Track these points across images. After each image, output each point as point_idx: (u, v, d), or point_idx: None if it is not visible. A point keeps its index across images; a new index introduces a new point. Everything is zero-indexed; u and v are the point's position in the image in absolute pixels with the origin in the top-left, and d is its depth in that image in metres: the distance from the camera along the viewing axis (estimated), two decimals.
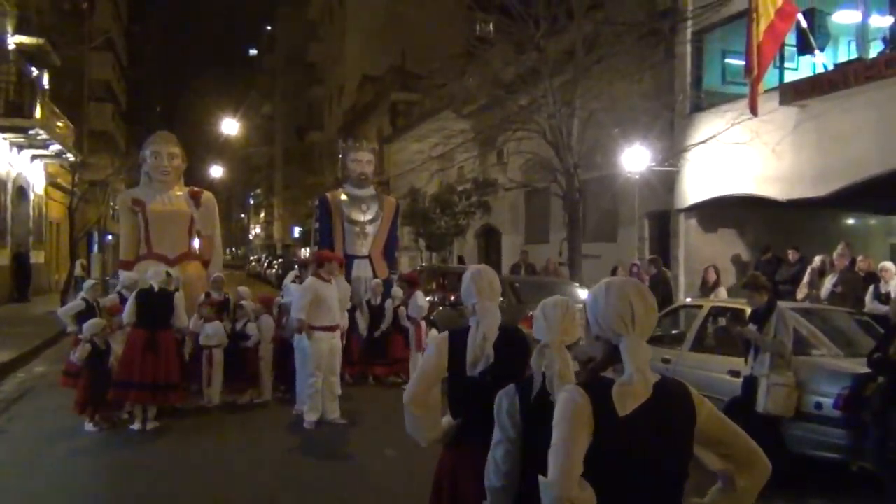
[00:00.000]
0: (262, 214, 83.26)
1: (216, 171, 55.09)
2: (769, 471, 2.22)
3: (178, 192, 11.08)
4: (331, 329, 8.30)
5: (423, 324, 10.93)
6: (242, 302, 9.81)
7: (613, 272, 13.72)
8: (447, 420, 3.48)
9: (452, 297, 13.85)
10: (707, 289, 11.46)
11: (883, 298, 9.60)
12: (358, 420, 8.45)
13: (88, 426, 7.78)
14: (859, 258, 11.53)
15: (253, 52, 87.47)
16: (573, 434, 2.02)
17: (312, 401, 8.17)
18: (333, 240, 11.62)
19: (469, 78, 21.97)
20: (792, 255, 12.62)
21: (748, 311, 6.70)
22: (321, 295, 8.14)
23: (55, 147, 23.83)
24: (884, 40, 10.69)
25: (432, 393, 3.48)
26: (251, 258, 66.39)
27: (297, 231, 58.00)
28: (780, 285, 12.25)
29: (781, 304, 6.69)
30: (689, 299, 10.29)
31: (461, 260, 23.45)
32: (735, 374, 6.59)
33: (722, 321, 7.60)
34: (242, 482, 6.26)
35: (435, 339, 3.51)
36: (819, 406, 5.93)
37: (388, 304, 11.13)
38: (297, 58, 58.45)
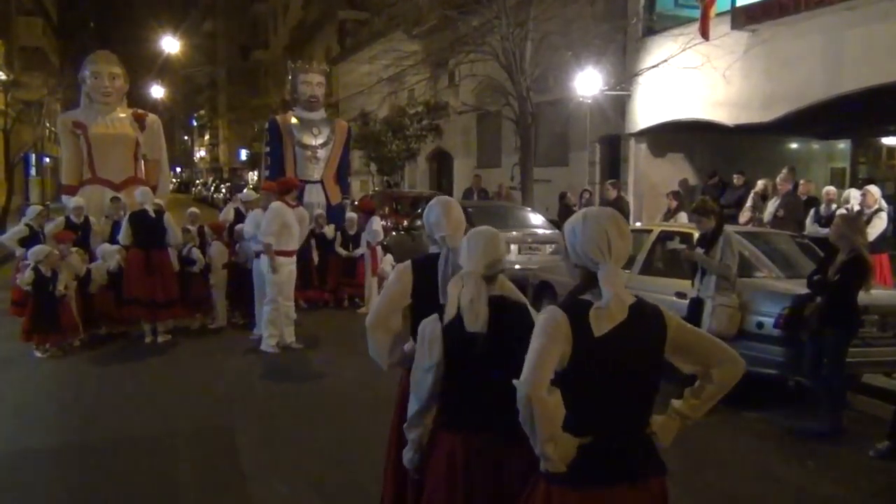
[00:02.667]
0: (207, 136, 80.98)
1: (157, 92, 53.07)
2: (741, 364, 2.37)
3: (122, 115, 10.72)
4: (291, 254, 8.29)
5: (378, 249, 10.98)
6: (187, 226, 9.65)
7: (562, 197, 13.91)
8: (410, 345, 3.56)
9: (405, 222, 13.91)
10: (668, 214, 11.71)
11: (823, 221, 9.97)
12: (313, 344, 8.52)
13: (36, 353, 7.76)
14: (801, 182, 11.88)
15: None
16: (546, 345, 2.19)
17: (273, 326, 8.22)
18: (284, 164, 11.43)
19: None
20: (737, 180, 12.92)
21: (695, 234, 6.89)
22: (286, 220, 8.13)
23: None
24: None
25: (394, 318, 3.55)
26: (197, 182, 64.90)
27: (243, 154, 56.70)
28: (726, 209, 12.52)
29: (728, 227, 6.88)
30: (638, 224, 10.47)
31: None
32: (682, 295, 6.80)
33: (669, 245, 7.80)
34: (200, 404, 6.32)
35: (398, 269, 3.54)
36: (760, 325, 6.19)
37: (330, 228, 11.08)
38: None
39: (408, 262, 3.56)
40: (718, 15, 11.74)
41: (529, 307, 3.00)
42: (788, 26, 11.26)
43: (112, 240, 9.05)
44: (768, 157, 14.76)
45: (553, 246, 10.55)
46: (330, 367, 7.60)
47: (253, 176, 56.12)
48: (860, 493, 4.76)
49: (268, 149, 11.73)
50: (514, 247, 10.49)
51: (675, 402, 2.43)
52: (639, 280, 7.46)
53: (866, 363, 6.32)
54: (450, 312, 2.81)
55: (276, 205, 8.33)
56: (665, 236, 7.85)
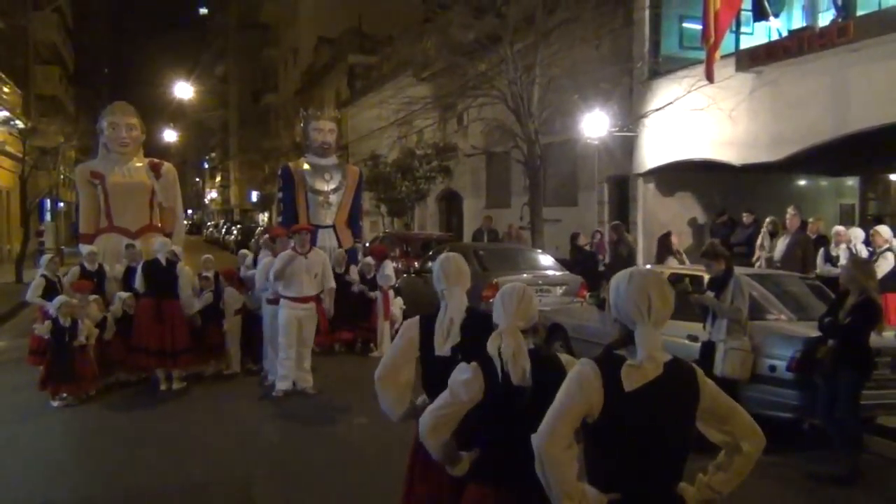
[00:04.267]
0: (218, 178, 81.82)
1: (169, 136, 53.86)
2: (764, 441, 2.44)
3: (138, 164, 10.91)
4: (303, 301, 8.38)
5: (390, 293, 11.07)
6: (204, 273, 9.79)
7: (574, 238, 14.00)
8: (422, 398, 3.64)
9: (416, 265, 14.01)
10: (662, 257, 11.81)
11: (834, 261, 10.01)
12: (326, 389, 8.55)
13: (52, 402, 7.82)
14: (810, 220, 11.94)
15: (203, 10, 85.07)
16: (570, 401, 2.29)
17: (284, 370, 8.31)
18: (297, 210, 11.59)
19: (427, 42, 21.85)
20: (746, 218, 12.99)
21: (705, 276, 6.94)
22: (295, 266, 8.25)
23: (3, 114, 23.09)
24: (835, 7, 10.92)
25: (403, 372, 3.64)
26: (208, 223, 65.41)
27: (254, 196, 57.24)
28: (736, 247, 12.63)
29: (738, 270, 6.93)
30: (648, 266, 10.52)
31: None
32: (693, 338, 6.83)
33: (680, 287, 7.83)
34: (216, 453, 6.34)
35: (406, 324, 3.66)
36: (773, 368, 6.21)
37: (353, 268, 11.23)
38: (250, 18, 57.09)
39: (416, 318, 3.68)
40: (723, 57, 11.92)
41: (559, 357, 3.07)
42: (793, 68, 11.42)
43: (125, 286, 9.19)
44: (777, 194, 14.82)
45: (563, 287, 10.60)
46: (343, 414, 7.63)
47: (264, 217, 56.68)
48: None
49: (280, 195, 11.91)
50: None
51: (704, 477, 2.46)
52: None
53: (880, 405, 6.32)
54: (497, 366, 2.85)
55: (286, 252, 8.47)
56: (675, 279, 7.89)
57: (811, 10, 10.05)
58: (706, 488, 2.43)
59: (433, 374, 3.56)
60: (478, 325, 3.58)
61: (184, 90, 35.16)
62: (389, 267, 11.32)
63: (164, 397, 8.36)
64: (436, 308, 3.69)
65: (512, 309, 2.95)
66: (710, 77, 11.22)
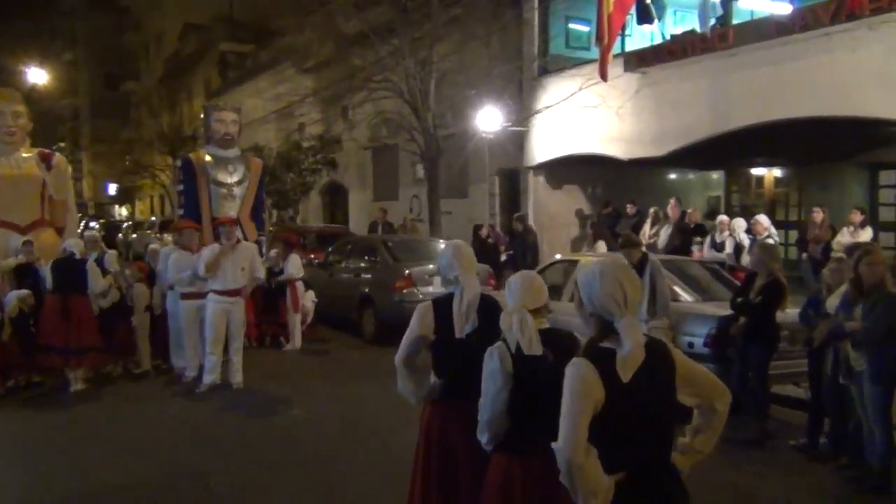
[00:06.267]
0: (69, 171, 76.38)
1: None
2: (731, 396, 2.64)
3: (26, 154, 10.26)
4: (230, 293, 8.26)
5: (299, 285, 11.01)
6: (108, 268, 9.38)
7: (476, 230, 14.44)
8: (435, 380, 3.82)
9: (315, 258, 13.96)
10: (586, 242, 12.47)
11: (718, 247, 10.96)
12: (250, 385, 8.43)
13: None
14: (689, 211, 12.96)
15: None
16: (580, 406, 2.35)
17: (210, 364, 8.20)
18: (199, 203, 11.26)
19: (308, 33, 21.59)
20: (630, 209, 13.91)
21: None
22: (222, 259, 8.17)
23: None
24: (715, 15, 11.89)
25: (420, 355, 3.80)
26: None
27: (112, 188, 54.06)
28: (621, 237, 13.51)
29: (652, 256, 7.52)
30: (558, 256, 11.08)
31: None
32: None
33: None
34: (163, 450, 6.18)
35: (420, 308, 3.79)
36: (691, 345, 6.82)
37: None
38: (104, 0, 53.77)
39: (429, 302, 3.83)
40: (613, 57, 12.66)
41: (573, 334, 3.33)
42: (676, 70, 12.34)
43: (21, 285, 8.66)
44: (653, 186, 15.95)
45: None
46: (278, 407, 7.62)
47: (122, 211, 53.68)
48: (795, 491, 5.37)
49: (181, 187, 11.50)
50: (437, 278, 10.80)
51: (685, 440, 2.64)
52: (569, 307, 7.96)
53: (781, 375, 7.07)
54: (511, 344, 3.09)
55: (211, 246, 8.32)
56: None
57: (704, 16, 10.89)
58: (693, 452, 2.61)
59: (450, 358, 3.74)
60: (491, 310, 3.80)
61: (38, 76, 32.69)
62: (296, 259, 11.26)
63: (78, 399, 8.00)
64: (444, 294, 3.84)
65: (518, 292, 3.21)
66: (604, 76, 11.91)
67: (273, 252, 11.27)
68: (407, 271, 10.73)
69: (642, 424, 2.43)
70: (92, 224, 39.01)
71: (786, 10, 11.32)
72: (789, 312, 6.62)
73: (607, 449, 2.36)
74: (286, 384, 8.55)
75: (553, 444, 2.36)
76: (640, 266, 7.11)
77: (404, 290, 10.61)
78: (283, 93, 22.64)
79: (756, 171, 16.71)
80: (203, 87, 36.73)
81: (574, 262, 8.56)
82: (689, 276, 8.17)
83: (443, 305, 3.73)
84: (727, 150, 13.79)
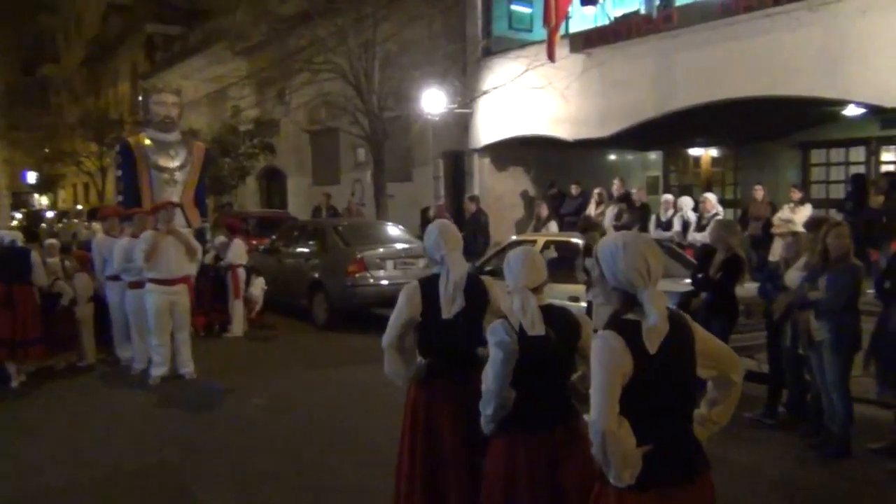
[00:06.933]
0: None
1: None
2: (744, 368, 2.69)
3: None
4: (173, 282, 7.95)
5: (241, 271, 10.74)
6: (46, 259, 8.96)
7: (424, 212, 14.36)
8: (420, 361, 3.75)
9: (258, 243, 13.66)
10: (539, 223, 12.50)
11: (664, 226, 11.18)
12: (202, 374, 8.15)
13: None
14: (634, 190, 13.17)
15: None
16: (611, 378, 2.33)
17: (158, 356, 7.91)
18: (140, 188, 10.85)
19: (242, 14, 21.02)
20: (574, 190, 14.06)
21: (580, 242, 7.58)
22: (162, 246, 7.86)
23: None
24: (659, 2, 12.06)
25: (407, 337, 3.73)
26: None
27: (31, 176, 51.75)
28: (566, 217, 13.65)
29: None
30: (514, 237, 11.11)
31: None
32: (574, 299, 7.41)
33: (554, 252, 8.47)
34: (128, 443, 5.93)
35: (407, 289, 3.72)
36: None
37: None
38: None
39: (415, 283, 3.76)
40: (560, 38, 12.73)
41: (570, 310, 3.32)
42: (621, 50, 12.47)
43: None
44: (593, 167, 16.16)
45: (426, 259, 10.83)
46: (235, 397, 7.41)
47: (42, 200, 51.44)
48: (763, 457, 5.53)
49: (119, 172, 11.07)
50: (389, 262, 10.70)
51: (702, 412, 2.64)
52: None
53: (736, 348, 7.22)
54: (514, 323, 3.06)
55: (147, 233, 8.00)
56: (549, 245, 8.48)
57: None
58: (711, 423, 2.63)
59: (435, 338, 3.69)
60: (476, 288, 3.75)
61: None
62: (240, 245, 10.99)
63: (20, 395, 7.63)
64: (430, 275, 3.79)
65: (519, 270, 3.18)
66: (552, 57, 11.96)
67: (220, 239, 10.95)
68: (359, 255, 10.58)
69: (669, 396, 2.43)
70: (15, 214, 37.39)
71: None
72: (747, 287, 6.80)
73: (635, 421, 2.35)
74: (240, 373, 8.33)
75: (585, 416, 2.36)
76: None
77: (357, 275, 10.46)
78: (217, 76, 22.01)
79: (693, 152, 17.12)
80: (130, 70, 35.42)
81: (533, 241, 8.60)
82: None
83: (430, 286, 3.68)
84: (667, 131, 14.06)
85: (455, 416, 3.62)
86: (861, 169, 13.11)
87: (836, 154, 14.40)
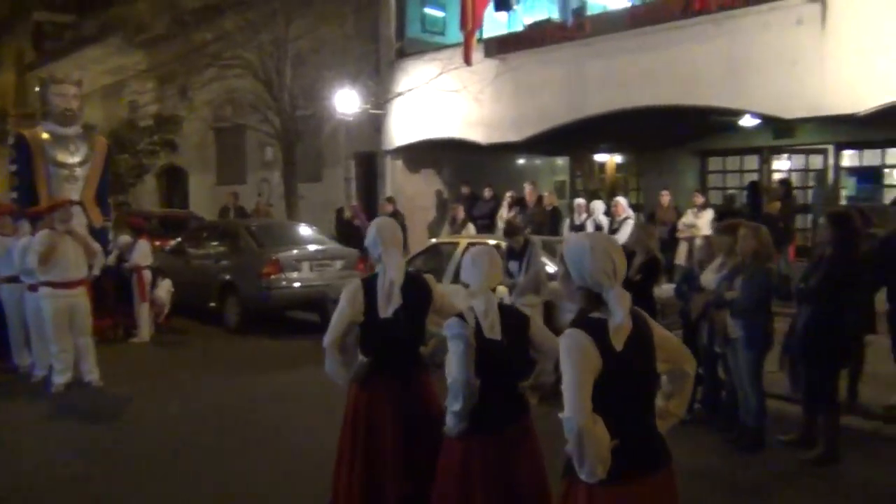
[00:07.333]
0: None
1: None
2: (694, 360, 2.78)
3: None
4: (70, 285, 7.51)
5: (147, 273, 10.30)
6: None
7: (339, 213, 14.18)
8: (362, 360, 3.70)
9: (161, 244, 13.11)
10: (457, 226, 12.53)
11: (577, 229, 11.45)
12: (109, 381, 7.71)
13: None
14: (545, 194, 13.45)
15: None
16: (582, 375, 2.36)
17: (60, 364, 7.46)
18: (37, 185, 10.22)
19: (141, 4, 20.16)
20: (487, 193, 14.25)
21: (501, 244, 7.66)
22: (58, 247, 7.44)
23: None
24: (574, 7, 12.31)
25: (349, 337, 3.68)
26: None
27: None
28: (479, 220, 13.80)
29: (534, 238, 7.71)
30: (434, 239, 11.10)
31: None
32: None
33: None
34: (31, 459, 5.56)
35: (350, 289, 3.67)
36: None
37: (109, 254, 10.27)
38: None
39: (358, 282, 3.72)
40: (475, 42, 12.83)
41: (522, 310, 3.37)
42: (535, 57, 12.70)
43: None
44: (504, 171, 16.43)
45: (342, 261, 10.72)
46: (148, 404, 7.07)
47: None
48: (681, 451, 5.71)
49: (14, 167, 10.36)
50: (305, 264, 10.50)
51: (660, 405, 2.70)
52: (453, 288, 8.02)
53: None
54: (470, 321, 3.06)
55: (43, 233, 7.53)
56: (473, 246, 8.51)
57: (563, 5, 11.21)
58: (670, 416, 2.71)
59: (376, 337, 3.66)
60: (417, 286, 3.73)
61: None
62: (146, 245, 10.54)
63: None
64: (371, 274, 3.76)
65: (481, 271, 3.21)
66: (468, 61, 12.04)
67: (124, 239, 10.45)
68: (274, 257, 10.32)
69: (634, 390, 2.50)
70: None
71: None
72: (664, 288, 7.06)
73: (604, 416, 2.38)
74: (150, 379, 7.99)
75: (560, 415, 2.36)
76: (523, 250, 7.30)
77: (272, 277, 10.20)
78: (114, 67, 21.02)
79: (599, 157, 17.64)
80: (14, 59, 33.31)
81: (455, 244, 8.62)
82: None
83: (372, 285, 3.66)
84: (575, 137, 14.43)
85: (396, 413, 3.61)
86: (755, 176, 13.85)
87: (732, 162, 15.19)
